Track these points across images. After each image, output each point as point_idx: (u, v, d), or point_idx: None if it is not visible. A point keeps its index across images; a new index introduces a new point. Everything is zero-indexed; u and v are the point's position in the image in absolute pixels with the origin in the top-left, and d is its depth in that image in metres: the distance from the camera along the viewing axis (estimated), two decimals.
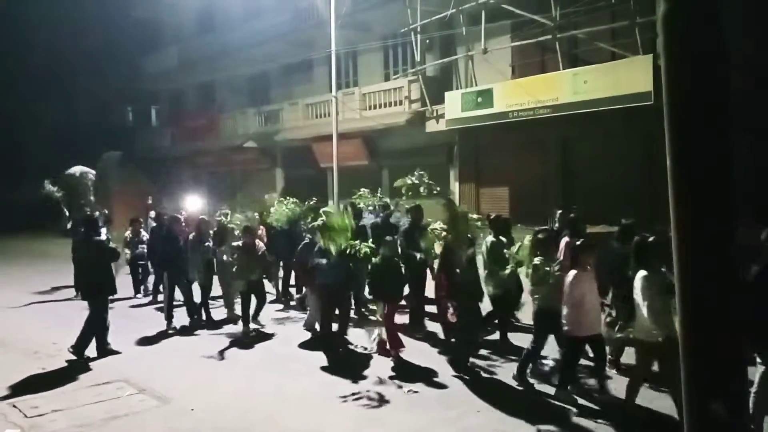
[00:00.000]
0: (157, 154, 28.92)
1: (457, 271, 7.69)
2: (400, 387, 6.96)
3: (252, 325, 9.57)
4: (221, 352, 8.49)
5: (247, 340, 9.12)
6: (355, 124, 19.81)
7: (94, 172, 16.06)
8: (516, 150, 16.47)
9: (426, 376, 7.27)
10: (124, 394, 6.86)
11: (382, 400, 6.57)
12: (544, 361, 7.23)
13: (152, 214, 15.21)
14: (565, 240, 8.30)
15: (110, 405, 6.52)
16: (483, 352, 8.04)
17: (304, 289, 10.83)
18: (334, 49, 18.09)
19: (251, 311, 9.61)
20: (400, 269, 8.27)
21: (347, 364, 7.82)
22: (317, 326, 9.01)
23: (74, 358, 8.12)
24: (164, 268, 10.42)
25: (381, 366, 7.69)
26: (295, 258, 9.69)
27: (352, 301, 9.40)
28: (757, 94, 11.19)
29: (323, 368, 7.75)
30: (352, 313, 9.20)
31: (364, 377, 7.34)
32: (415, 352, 8.07)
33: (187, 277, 10.32)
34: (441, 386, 6.96)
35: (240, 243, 9.58)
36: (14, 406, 6.54)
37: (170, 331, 9.80)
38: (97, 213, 14.09)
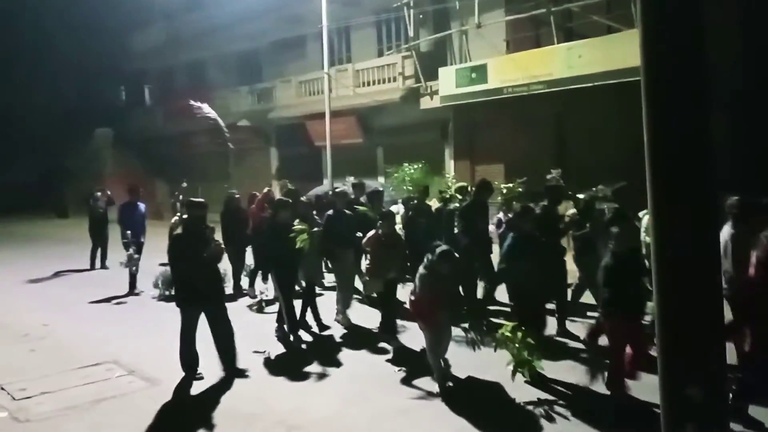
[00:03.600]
0: (150, 134, 28.66)
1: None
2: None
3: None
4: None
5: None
6: (349, 102, 19.63)
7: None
8: (511, 126, 16.32)
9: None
10: (113, 375, 6.81)
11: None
12: None
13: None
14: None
15: (99, 387, 6.47)
16: None
17: None
18: (325, 24, 17.82)
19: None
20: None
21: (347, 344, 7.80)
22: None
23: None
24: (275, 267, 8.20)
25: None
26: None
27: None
28: None
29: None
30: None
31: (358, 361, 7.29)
32: None
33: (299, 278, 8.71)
34: None
35: (378, 232, 7.85)
36: (2, 389, 6.49)
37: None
38: (99, 192, 14.02)
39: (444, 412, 5.63)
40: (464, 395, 5.98)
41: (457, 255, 6.34)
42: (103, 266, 13.79)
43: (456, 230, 9.24)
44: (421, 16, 18.11)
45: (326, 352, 7.50)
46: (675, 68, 2.66)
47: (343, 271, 8.90)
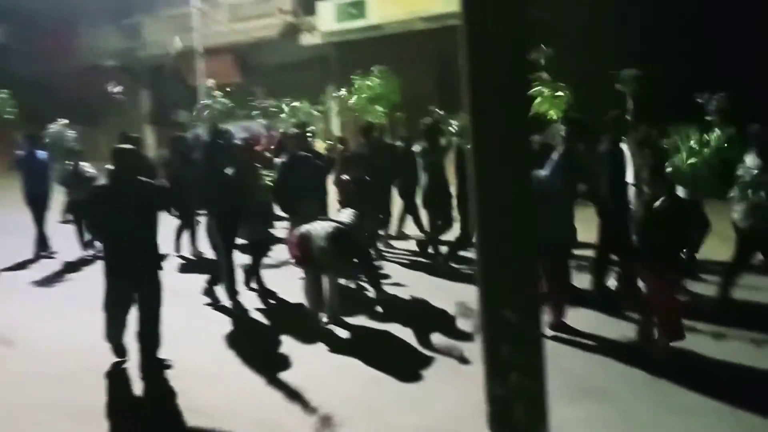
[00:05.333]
0: (7, 78, 25.88)
1: None
2: None
3: None
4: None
5: None
6: (225, 38, 18.58)
7: None
8: (396, 65, 16.03)
9: None
10: None
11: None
12: None
13: None
14: None
15: None
16: None
17: None
18: None
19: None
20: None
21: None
22: None
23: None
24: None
25: None
26: None
27: None
28: None
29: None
30: None
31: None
32: None
33: None
34: None
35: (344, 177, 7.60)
36: None
37: None
38: None
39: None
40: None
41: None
42: None
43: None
44: None
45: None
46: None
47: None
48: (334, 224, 6.09)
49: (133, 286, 5.22)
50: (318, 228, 6.06)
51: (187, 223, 9.16)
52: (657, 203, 4.99)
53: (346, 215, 6.37)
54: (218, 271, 7.10)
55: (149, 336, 5.25)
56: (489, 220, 2.80)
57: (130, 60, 21.70)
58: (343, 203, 7.31)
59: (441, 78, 15.54)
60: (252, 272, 7.41)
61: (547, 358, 2.96)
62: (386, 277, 7.72)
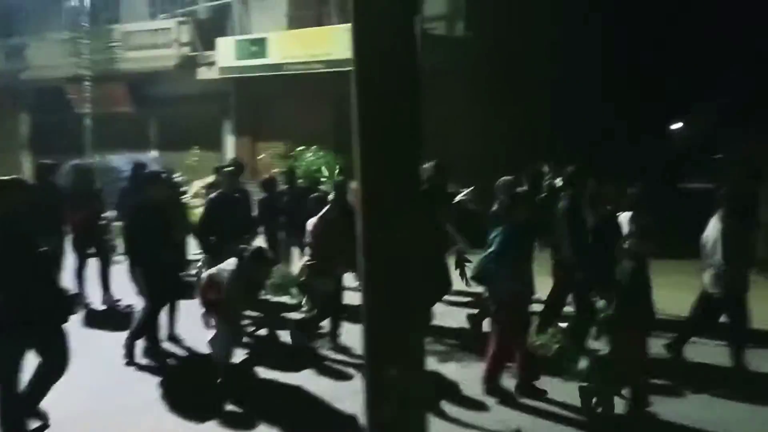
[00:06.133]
0: None
1: None
2: None
3: None
4: None
5: None
6: (117, 66, 17.92)
7: None
8: (296, 104, 16.13)
9: None
10: None
11: None
12: None
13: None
14: None
15: None
16: None
17: None
18: None
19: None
20: None
21: None
22: None
23: None
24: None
25: None
26: None
27: None
28: None
29: None
30: None
31: None
32: None
33: None
34: None
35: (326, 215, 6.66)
36: None
37: None
38: None
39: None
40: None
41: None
42: None
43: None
44: None
45: None
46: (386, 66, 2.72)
47: None
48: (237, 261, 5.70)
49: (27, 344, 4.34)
50: (226, 268, 5.67)
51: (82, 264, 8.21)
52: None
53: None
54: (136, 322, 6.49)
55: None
56: (376, 277, 2.77)
57: (11, 81, 20.40)
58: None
59: (337, 119, 15.71)
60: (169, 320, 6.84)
61: None
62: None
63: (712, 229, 5.89)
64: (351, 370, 6.06)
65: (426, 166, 6.51)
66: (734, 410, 5.31)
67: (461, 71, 13.40)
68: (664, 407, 5.14)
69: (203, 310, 5.89)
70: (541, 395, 5.44)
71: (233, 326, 5.77)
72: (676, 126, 24.98)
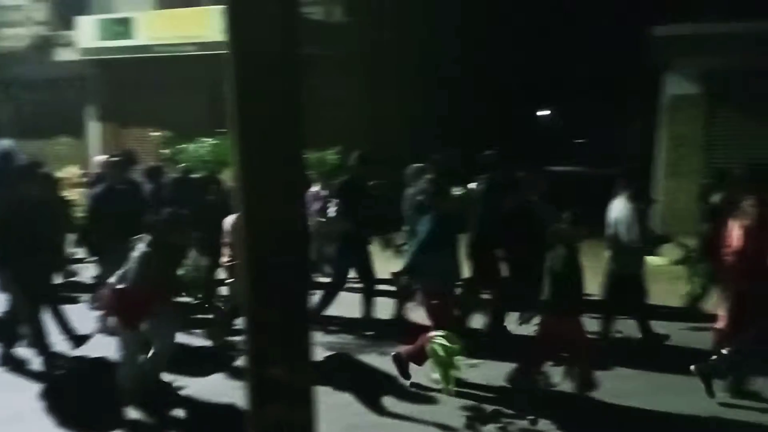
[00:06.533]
0: None
1: None
2: None
3: None
4: None
5: None
6: None
7: None
8: (167, 88, 15.29)
9: None
10: None
11: None
12: None
13: None
14: None
15: None
16: None
17: None
18: None
19: None
20: None
21: None
22: None
23: None
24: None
25: None
26: None
27: None
28: None
29: None
30: None
31: None
32: None
33: None
34: None
35: None
36: None
37: None
38: None
39: None
40: None
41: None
42: None
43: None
44: None
45: None
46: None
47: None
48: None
49: None
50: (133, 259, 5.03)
51: None
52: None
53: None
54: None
55: None
56: (256, 272, 2.60)
57: None
58: None
59: (212, 103, 15.13)
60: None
61: None
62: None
63: (616, 210, 6.19)
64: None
65: (351, 156, 6.66)
66: (647, 381, 5.70)
67: (340, 57, 13.31)
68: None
69: (104, 319, 5.42)
70: (405, 376, 5.60)
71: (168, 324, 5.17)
72: (543, 113, 26.42)
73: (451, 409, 5.17)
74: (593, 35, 16.74)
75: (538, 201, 6.59)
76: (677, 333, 6.69)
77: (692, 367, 5.32)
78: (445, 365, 5.18)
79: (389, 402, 5.32)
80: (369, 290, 7.04)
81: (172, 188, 7.98)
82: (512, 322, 6.18)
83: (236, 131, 2.59)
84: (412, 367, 5.61)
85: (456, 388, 5.30)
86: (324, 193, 7.85)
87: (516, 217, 6.33)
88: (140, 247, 5.03)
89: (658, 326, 6.56)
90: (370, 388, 5.54)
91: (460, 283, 6.14)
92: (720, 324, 5.49)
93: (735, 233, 5.24)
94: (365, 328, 6.95)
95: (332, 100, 12.80)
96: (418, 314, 6.05)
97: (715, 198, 6.42)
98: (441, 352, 5.15)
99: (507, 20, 16.61)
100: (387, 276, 7.12)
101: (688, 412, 5.11)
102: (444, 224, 5.50)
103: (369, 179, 7.06)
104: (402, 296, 6.87)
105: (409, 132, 13.45)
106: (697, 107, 10.89)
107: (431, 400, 5.36)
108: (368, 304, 7.02)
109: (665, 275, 7.71)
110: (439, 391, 5.39)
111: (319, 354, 6.08)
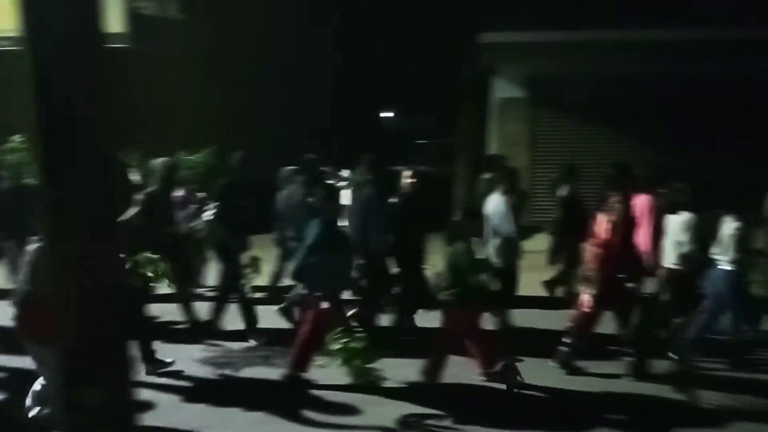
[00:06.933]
0: None
1: None
2: None
3: None
4: None
5: None
6: None
7: None
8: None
9: None
10: None
11: None
12: None
13: None
14: None
15: None
16: None
17: None
18: None
19: None
20: None
21: None
22: None
23: None
24: None
25: None
26: None
27: None
28: None
29: None
30: None
31: None
32: None
33: None
34: None
35: None
36: None
37: None
38: None
39: None
40: None
41: None
42: None
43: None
44: None
45: None
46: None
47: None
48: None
49: None
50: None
51: None
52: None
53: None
54: None
55: None
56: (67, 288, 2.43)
57: None
58: None
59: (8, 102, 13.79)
60: None
61: None
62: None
63: (493, 205, 6.48)
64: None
65: (233, 157, 6.59)
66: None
67: (175, 54, 12.69)
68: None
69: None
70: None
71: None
72: (386, 115, 27.10)
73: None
74: (429, 39, 17.38)
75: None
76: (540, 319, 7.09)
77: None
78: (352, 360, 5.16)
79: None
80: (244, 298, 6.72)
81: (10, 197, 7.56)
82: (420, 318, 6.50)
83: (35, 132, 2.36)
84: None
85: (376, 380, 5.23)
86: (195, 197, 7.59)
87: (396, 216, 6.47)
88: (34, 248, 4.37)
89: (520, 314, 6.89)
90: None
91: (352, 284, 6.23)
92: (582, 308, 5.90)
93: (603, 226, 5.72)
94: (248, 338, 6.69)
95: (173, 99, 12.21)
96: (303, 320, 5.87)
97: (563, 191, 7.35)
98: (344, 351, 5.13)
99: (350, 19, 16.82)
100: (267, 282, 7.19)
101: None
102: (333, 227, 5.58)
103: (249, 180, 6.86)
104: (291, 301, 6.78)
105: (254, 131, 13.13)
106: (523, 109, 11.70)
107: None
108: (248, 312, 6.71)
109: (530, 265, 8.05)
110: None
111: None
